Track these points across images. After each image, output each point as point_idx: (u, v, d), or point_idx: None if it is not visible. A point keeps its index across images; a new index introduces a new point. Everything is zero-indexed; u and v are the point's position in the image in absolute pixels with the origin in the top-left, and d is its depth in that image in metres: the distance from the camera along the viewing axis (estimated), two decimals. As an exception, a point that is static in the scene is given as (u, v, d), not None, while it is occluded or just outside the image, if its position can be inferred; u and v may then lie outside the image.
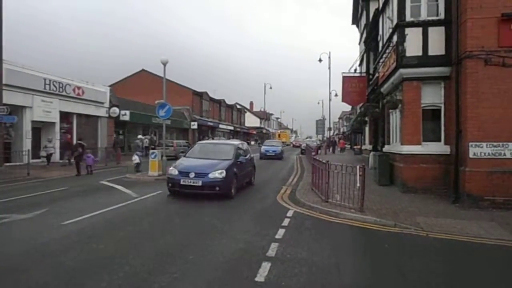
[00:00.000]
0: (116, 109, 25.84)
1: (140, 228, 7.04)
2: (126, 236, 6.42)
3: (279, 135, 71.12)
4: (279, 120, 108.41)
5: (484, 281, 4.84)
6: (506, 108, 9.29)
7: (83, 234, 6.42)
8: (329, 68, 38.86)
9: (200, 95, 45.99)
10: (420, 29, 10.91)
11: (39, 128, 20.25)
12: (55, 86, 20.27)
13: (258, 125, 79.73)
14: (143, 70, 44.08)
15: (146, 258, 5.24)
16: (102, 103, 24.78)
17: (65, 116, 21.86)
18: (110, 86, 28.36)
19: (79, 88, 22.29)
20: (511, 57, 9.23)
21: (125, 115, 26.90)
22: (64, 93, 20.99)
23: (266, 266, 4.92)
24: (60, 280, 4.48)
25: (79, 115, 23.06)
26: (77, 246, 5.78)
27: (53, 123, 20.60)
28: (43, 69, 20.23)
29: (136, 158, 17.12)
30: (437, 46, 10.77)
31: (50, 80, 19.95)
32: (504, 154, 9.30)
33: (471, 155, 9.46)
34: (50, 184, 12.96)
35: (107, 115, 25.37)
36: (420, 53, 10.91)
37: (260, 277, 4.57)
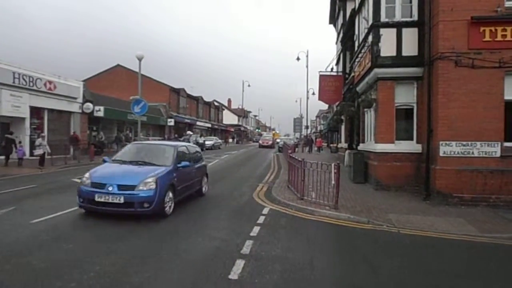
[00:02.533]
0: (90, 105, 25.17)
1: (112, 226, 6.87)
2: (97, 235, 6.26)
3: (273, 135, 62.99)
4: (257, 118, 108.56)
5: (451, 275, 5.00)
6: (475, 108, 9.61)
7: (52, 233, 6.22)
8: (307, 66, 39.37)
9: (177, 92, 45.41)
10: (395, 29, 11.15)
11: (7, 124, 19.48)
12: (25, 80, 19.54)
13: (236, 122, 79.55)
14: (118, 65, 43.11)
15: (118, 257, 5.12)
16: (75, 98, 24.07)
17: (36, 111, 21.11)
18: (84, 81, 27.56)
19: (50, 82, 21.56)
20: (479, 58, 9.55)
21: (99, 111, 26.24)
22: (34, 88, 20.26)
23: (240, 264, 4.91)
24: (27, 280, 4.32)
25: (51, 111, 22.30)
26: (46, 245, 5.60)
27: (23, 119, 19.86)
28: (12, 62, 19.44)
29: None
30: (410, 47, 11.04)
31: (19, 74, 19.19)
32: (472, 153, 9.63)
33: (441, 154, 9.75)
34: (18, 181, 12.49)
35: (80, 111, 24.67)
36: (394, 54, 11.15)
37: (233, 275, 4.56)
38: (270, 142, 43.71)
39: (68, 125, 23.94)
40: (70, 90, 23.51)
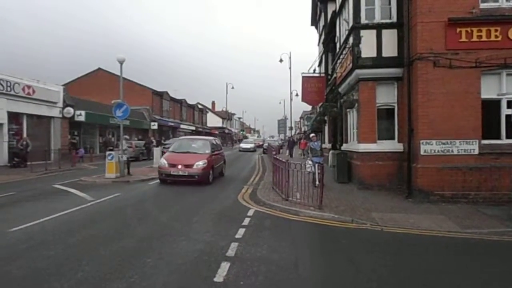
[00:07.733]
0: (70, 109, 24.72)
1: (94, 232, 6.75)
2: (80, 242, 6.14)
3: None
4: (241, 120, 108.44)
5: (433, 271, 5.09)
6: (453, 107, 9.83)
7: (32, 241, 6.07)
8: (290, 68, 39.68)
9: (161, 95, 45.03)
10: (375, 31, 11.31)
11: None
12: (2, 85, 19.05)
13: (220, 125, 79.25)
14: (99, 68, 42.47)
15: (101, 263, 5.04)
16: (55, 103, 23.61)
17: (14, 117, 20.62)
18: (64, 85, 27.06)
19: (29, 87, 21.09)
20: (457, 59, 9.78)
21: (81, 116, 25.81)
22: (12, 93, 19.80)
23: (225, 266, 4.89)
24: (5, 290, 4.21)
25: (30, 116, 21.81)
26: (25, 253, 5.46)
27: (1, 124, 19.36)
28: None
29: (310, 165, 11.48)
30: (390, 48, 11.22)
31: (-4, 79, 18.75)
32: (452, 151, 9.85)
33: (422, 152, 9.93)
34: (-3, 189, 12.16)
35: (60, 116, 24.21)
36: (374, 55, 11.31)
37: (219, 278, 4.54)
38: (201, 167, 12.87)
39: (48, 130, 23.46)
40: (50, 95, 23.05)
